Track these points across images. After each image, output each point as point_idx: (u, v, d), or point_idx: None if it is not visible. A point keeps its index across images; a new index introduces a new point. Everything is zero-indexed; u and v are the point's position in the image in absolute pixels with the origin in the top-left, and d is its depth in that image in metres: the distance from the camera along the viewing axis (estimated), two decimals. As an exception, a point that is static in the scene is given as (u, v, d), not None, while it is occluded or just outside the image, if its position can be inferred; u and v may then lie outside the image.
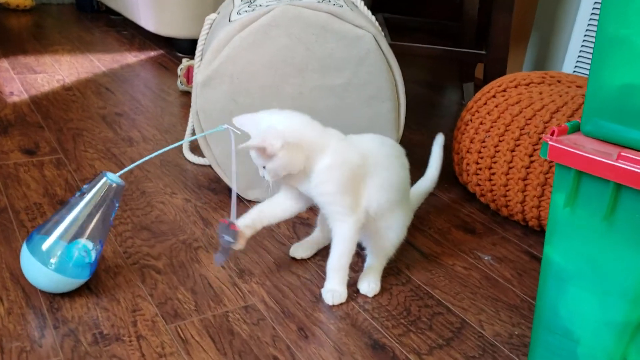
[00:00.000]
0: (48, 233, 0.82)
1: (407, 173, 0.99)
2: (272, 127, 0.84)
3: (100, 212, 0.84)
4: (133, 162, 1.31)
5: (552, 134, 0.68)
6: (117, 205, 0.86)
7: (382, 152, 0.95)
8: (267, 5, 1.11)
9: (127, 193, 1.18)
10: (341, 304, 0.92)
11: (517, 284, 1.03)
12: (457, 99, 2.08)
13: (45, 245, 0.82)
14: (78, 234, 0.83)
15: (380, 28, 1.26)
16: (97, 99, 1.69)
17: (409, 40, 2.85)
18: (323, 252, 1.06)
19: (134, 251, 0.99)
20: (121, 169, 1.27)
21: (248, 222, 0.91)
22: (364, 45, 1.11)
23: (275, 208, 0.93)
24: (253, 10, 1.11)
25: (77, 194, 0.85)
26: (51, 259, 0.81)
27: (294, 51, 1.09)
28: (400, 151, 0.99)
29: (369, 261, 0.99)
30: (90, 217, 0.83)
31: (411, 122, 1.75)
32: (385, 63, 1.14)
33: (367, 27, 1.12)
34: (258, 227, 0.92)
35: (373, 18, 1.29)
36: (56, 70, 1.91)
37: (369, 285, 0.95)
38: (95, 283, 0.90)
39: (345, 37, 1.10)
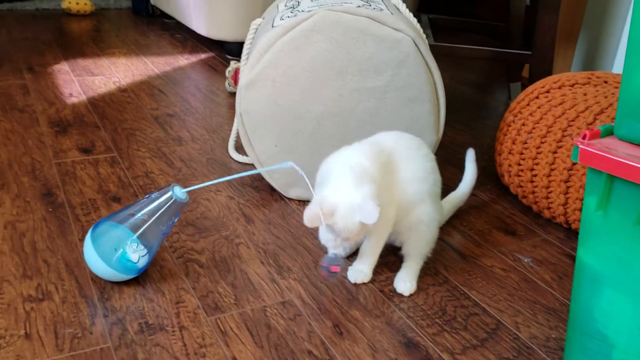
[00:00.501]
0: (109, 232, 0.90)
1: (433, 163, 1.01)
2: (361, 202, 0.85)
3: (159, 221, 0.90)
4: (182, 161, 1.37)
5: (583, 138, 0.68)
6: (177, 218, 0.93)
7: (401, 146, 0.98)
8: (309, 11, 1.14)
9: (175, 191, 1.24)
10: (376, 303, 0.94)
11: (557, 287, 1.03)
12: (504, 100, 2.06)
13: (105, 242, 0.90)
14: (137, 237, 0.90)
15: (420, 31, 1.27)
16: (150, 100, 1.76)
17: (458, 40, 2.84)
18: (361, 251, 1.08)
19: (179, 246, 1.04)
20: (170, 168, 1.33)
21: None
22: (403, 49, 1.13)
23: None
24: (295, 15, 1.15)
25: (145, 197, 0.91)
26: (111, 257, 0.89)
27: (334, 55, 1.12)
28: (419, 143, 1.01)
29: (406, 261, 1.01)
30: (149, 224, 0.90)
31: (457, 123, 1.75)
32: (424, 65, 1.15)
33: (406, 31, 1.13)
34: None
35: (415, 21, 1.30)
36: (112, 73, 2.00)
37: (404, 284, 0.97)
38: (143, 275, 0.95)
39: (385, 40, 1.12)
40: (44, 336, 0.81)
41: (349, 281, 0.98)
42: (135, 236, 0.89)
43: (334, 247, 0.91)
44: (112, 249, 0.89)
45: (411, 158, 0.98)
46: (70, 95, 1.76)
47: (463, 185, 1.21)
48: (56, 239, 1.04)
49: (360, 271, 0.98)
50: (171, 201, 0.90)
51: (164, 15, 2.92)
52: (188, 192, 0.93)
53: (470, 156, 1.21)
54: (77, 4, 2.84)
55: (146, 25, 2.77)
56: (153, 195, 0.91)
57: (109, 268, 0.89)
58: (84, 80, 1.90)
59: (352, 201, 0.86)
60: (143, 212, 0.90)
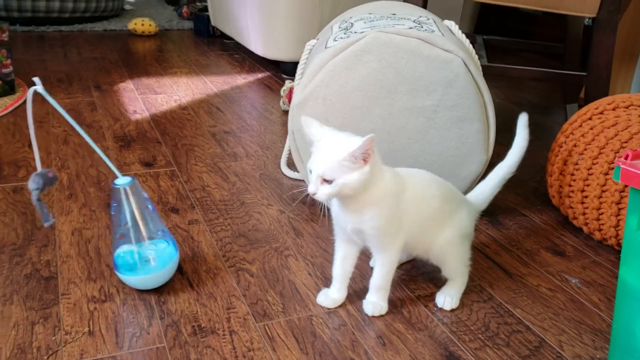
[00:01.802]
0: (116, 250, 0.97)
1: (439, 202, 0.97)
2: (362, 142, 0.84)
3: (137, 213, 0.95)
4: (236, 176, 1.43)
5: (626, 158, 0.69)
6: (145, 196, 0.96)
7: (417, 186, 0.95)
8: (361, 32, 1.18)
9: (229, 203, 1.29)
10: (420, 317, 0.96)
11: (605, 308, 1.02)
12: (560, 120, 2.04)
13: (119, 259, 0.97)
14: (135, 239, 0.95)
15: (472, 52, 1.29)
16: (209, 118, 1.84)
17: (516, 61, 2.83)
18: (406, 266, 1.10)
19: (231, 255, 1.10)
20: (225, 182, 1.39)
21: (339, 287, 0.98)
22: (453, 69, 1.15)
23: (347, 262, 0.97)
24: (348, 37, 1.19)
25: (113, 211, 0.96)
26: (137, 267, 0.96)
27: (384, 74, 1.16)
28: (430, 181, 0.99)
29: (449, 278, 1.02)
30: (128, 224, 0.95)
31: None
32: (474, 85, 1.17)
33: (456, 52, 1.16)
34: (346, 284, 0.99)
35: (467, 42, 1.32)
36: (174, 91, 2.10)
37: (444, 299, 0.98)
38: (197, 282, 1.01)
39: (435, 61, 1.15)
40: (106, 334, 0.87)
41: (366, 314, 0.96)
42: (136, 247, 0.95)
43: (309, 182, 0.87)
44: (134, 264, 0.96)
45: (422, 199, 0.95)
46: (134, 112, 1.86)
47: (512, 153, 1.11)
48: (118, 245, 1.11)
49: (375, 304, 0.96)
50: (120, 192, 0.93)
51: (224, 36, 3.03)
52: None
53: (522, 121, 1.11)
54: (143, 25, 3.00)
55: (207, 46, 2.89)
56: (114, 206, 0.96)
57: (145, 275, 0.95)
58: (147, 98, 2.01)
59: (352, 138, 0.86)
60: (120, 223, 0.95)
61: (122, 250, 0.96)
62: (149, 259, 0.95)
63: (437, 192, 0.98)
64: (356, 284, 1.04)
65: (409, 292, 1.03)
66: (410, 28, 1.18)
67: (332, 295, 0.98)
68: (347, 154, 0.83)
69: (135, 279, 0.96)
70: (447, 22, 1.39)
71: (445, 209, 0.98)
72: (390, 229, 0.92)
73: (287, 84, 1.92)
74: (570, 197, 1.27)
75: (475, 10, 2.80)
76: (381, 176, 0.89)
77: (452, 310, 0.98)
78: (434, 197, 0.97)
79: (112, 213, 0.95)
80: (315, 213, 1.28)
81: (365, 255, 1.11)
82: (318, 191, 0.85)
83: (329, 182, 0.84)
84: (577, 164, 1.25)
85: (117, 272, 0.97)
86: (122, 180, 0.94)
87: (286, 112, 1.93)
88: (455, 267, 1.00)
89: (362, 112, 1.18)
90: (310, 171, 0.86)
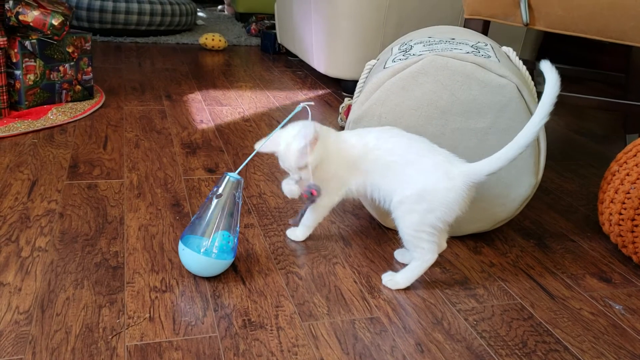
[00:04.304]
0: (195, 231, 1.05)
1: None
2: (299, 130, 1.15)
3: (228, 205, 1.05)
4: (292, 186, 1.50)
5: (665, 184, 0.72)
6: (239, 196, 1.07)
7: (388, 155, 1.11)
8: (420, 55, 1.24)
9: (283, 211, 1.36)
10: (459, 329, 0.99)
11: (647, 337, 1.02)
12: (619, 150, 2.02)
13: (195, 240, 1.05)
14: (218, 227, 1.04)
15: (528, 79, 1.32)
16: (269, 130, 1.93)
17: (579, 89, 2.81)
18: (454, 286, 1.14)
19: (283, 258, 1.16)
20: (280, 191, 1.46)
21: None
22: (506, 94, 1.19)
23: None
24: (407, 58, 1.25)
25: (210, 195, 1.06)
26: (201, 249, 1.03)
27: (439, 95, 1.20)
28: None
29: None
30: (223, 211, 1.05)
31: (565, 171, 1.75)
32: (526, 111, 1.20)
33: (510, 77, 1.19)
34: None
35: (524, 69, 1.35)
36: (238, 104, 2.20)
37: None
38: (250, 280, 1.08)
39: (489, 85, 1.19)
40: (164, 321, 0.95)
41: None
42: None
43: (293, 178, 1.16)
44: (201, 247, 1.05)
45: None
46: (201, 121, 1.96)
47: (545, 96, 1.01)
48: (180, 242, 1.19)
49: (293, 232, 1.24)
50: (232, 184, 1.05)
51: (289, 53, 3.14)
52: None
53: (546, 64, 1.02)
54: (213, 40, 3.14)
55: (272, 62, 3.00)
56: (215, 190, 1.06)
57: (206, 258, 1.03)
58: (213, 109, 2.12)
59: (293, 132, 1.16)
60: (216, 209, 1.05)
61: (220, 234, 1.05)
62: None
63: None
64: (400, 294, 1.08)
65: (450, 306, 1.06)
66: (467, 53, 1.22)
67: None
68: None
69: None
70: (505, 48, 1.43)
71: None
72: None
73: (346, 101, 1.99)
74: (620, 225, 1.27)
75: (538, 37, 2.80)
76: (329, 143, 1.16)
77: (492, 326, 1.01)
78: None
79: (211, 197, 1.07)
80: (364, 225, 1.33)
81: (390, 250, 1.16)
82: (297, 181, 1.16)
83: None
84: (628, 192, 1.26)
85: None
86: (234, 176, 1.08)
87: (343, 128, 1.99)
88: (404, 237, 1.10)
89: (415, 131, 1.23)
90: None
